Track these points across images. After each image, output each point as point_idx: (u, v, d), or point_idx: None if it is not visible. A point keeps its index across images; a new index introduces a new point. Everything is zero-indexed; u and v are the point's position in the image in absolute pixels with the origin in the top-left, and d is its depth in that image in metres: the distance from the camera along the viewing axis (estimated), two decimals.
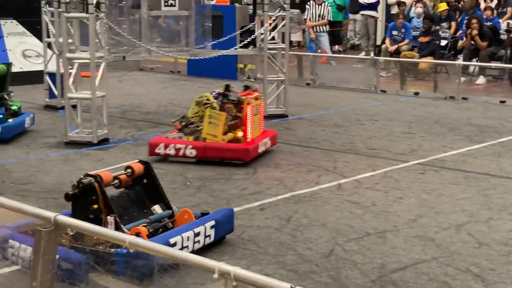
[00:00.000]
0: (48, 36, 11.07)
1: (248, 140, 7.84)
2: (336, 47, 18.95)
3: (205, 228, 5.08)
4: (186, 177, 7.26)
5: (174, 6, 9.85)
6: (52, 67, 11.07)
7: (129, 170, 5.20)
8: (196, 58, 10.31)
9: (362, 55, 17.73)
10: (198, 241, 5.01)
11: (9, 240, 4.71)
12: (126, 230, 4.79)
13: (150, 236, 4.86)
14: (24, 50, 13.84)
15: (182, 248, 4.82)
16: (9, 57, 13.54)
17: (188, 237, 4.90)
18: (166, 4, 9.78)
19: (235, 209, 6.09)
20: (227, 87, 7.95)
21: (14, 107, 8.98)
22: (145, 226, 4.92)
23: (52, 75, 11.09)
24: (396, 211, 6.26)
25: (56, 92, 10.84)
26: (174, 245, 4.76)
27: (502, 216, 6.08)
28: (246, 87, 8.38)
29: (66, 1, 8.40)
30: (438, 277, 4.76)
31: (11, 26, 14.08)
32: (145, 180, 5.32)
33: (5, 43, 13.76)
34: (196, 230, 5.00)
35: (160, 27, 10.82)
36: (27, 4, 14.07)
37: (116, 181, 5.16)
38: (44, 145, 8.60)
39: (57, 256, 4.31)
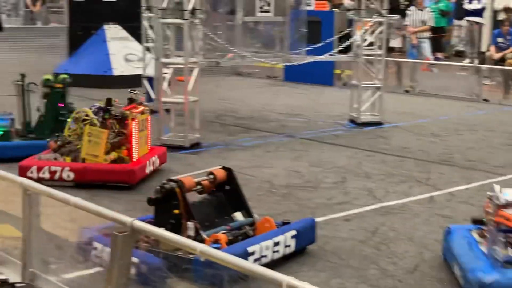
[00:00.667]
0: (147, 41, 11.32)
1: (133, 160, 7.07)
2: (438, 54, 18.42)
3: (285, 238, 5.01)
4: (273, 184, 7.21)
5: (269, 12, 9.84)
6: (150, 71, 11.31)
7: (211, 176, 5.19)
8: (290, 64, 10.25)
9: (466, 62, 17.15)
10: (278, 251, 4.94)
11: (93, 242, 4.80)
12: (205, 236, 4.78)
13: (229, 243, 4.83)
14: (126, 54, 14.24)
15: (260, 257, 4.77)
16: (112, 61, 13.99)
17: (267, 246, 4.83)
18: (261, 10, 9.78)
19: (320, 219, 6.00)
20: (108, 101, 7.15)
21: None
22: (225, 233, 4.90)
23: (150, 79, 11.33)
24: None
25: (153, 96, 11.06)
26: (252, 253, 4.71)
27: None
28: (131, 100, 7.35)
29: (163, 7, 8.55)
30: None
31: (115, 31, 14.51)
32: (227, 187, 5.30)
33: (108, 47, 14.20)
34: (276, 239, 4.93)
35: (255, 32, 10.85)
36: (131, 9, 14.45)
37: (199, 186, 5.17)
38: None
39: (136, 260, 4.37)
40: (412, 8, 15.81)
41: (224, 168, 5.30)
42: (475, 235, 4.93)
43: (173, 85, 9.00)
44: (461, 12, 18.64)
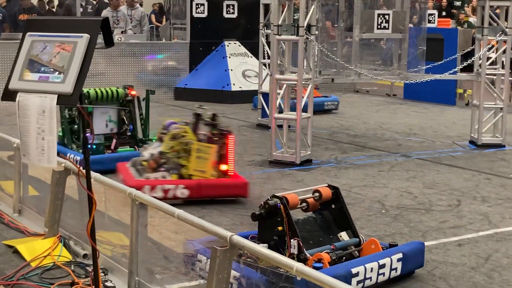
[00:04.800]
0: (264, 57, 11.44)
1: (232, 174, 7.08)
2: None
3: (391, 260, 4.87)
4: (384, 205, 7.05)
5: (388, 28, 9.68)
6: (266, 87, 11.41)
7: (316, 194, 5.14)
8: (407, 81, 10.02)
9: None
10: (383, 273, 4.81)
11: (198, 254, 4.87)
12: (308, 255, 4.73)
13: (333, 263, 4.76)
14: (244, 70, 14.47)
15: (364, 279, 4.67)
16: (230, 76, 14.25)
17: (372, 268, 4.72)
18: (379, 27, 9.65)
19: (430, 243, 5.82)
20: (214, 117, 7.16)
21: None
22: (328, 253, 4.83)
23: (265, 95, 11.44)
24: None
25: (268, 112, 11.15)
26: (356, 275, 4.61)
27: None
28: (197, 116, 7.21)
29: (279, 24, 8.61)
30: None
31: (234, 47, 14.78)
32: (333, 205, 5.24)
33: (228, 63, 14.48)
34: (382, 261, 4.80)
35: (373, 49, 10.72)
36: (250, 26, 14.72)
37: (304, 204, 5.14)
38: (250, 162, 8.85)
39: (238, 274, 4.39)
40: None
41: (330, 186, 5.23)
42: None
43: (287, 101, 9.02)
44: None
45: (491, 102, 10.24)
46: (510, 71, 10.23)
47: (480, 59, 10.00)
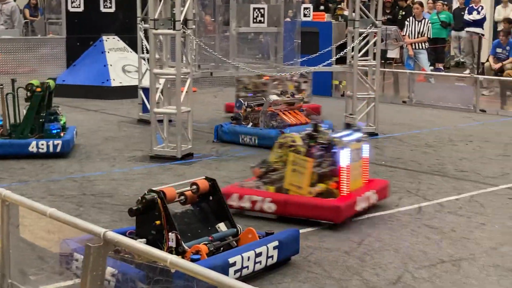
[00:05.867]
0: (143, 52, 11.35)
1: (342, 194, 6.29)
2: (439, 64, 18.45)
3: (268, 249, 4.99)
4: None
5: (263, 22, 9.86)
6: (146, 82, 11.32)
7: (194, 187, 5.19)
8: (283, 74, 10.25)
9: (466, 73, 17.14)
10: (260, 262, 4.92)
11: (74, 253, 4.80)
12: (186, 248, 4.77)
13: (211, 254, 4.82)
14: (124, 65, 14.29)
15: (241, 268, 4.76)
16: (110, 71, 14.03)
17: (248, 257, 4.82)
18: (255, 20, 9.80)
19: (307, 230, 6.00)
20: (315, 127, 6.58)
21: (62, 122, 9.04)
22: (206, 244, 4.89)
23: (146, 90, 11.34)
24: (476, 238, 5.94)
25: (148, 106, 11.07)
26: (233, 264, 4.70)
27: None
28: (348, 126, 6.97)
29: (155, 18, 8.57)
30: None
31: (113, 42, 14.57)
32: (211, 197, 5.30)
33: (107, 58, 14.24)
34: (258, 250, 4.92)
35: (250, 43, 10.88)
36: (129, 20, 14.53)
37: (182, 197, 5.17)
38: (130, 158, 8.78)
39: (115, 270, 4.37)
40: (410, 19, 15.82)
41: (207, 178, 5.30)
42: None
43: (166, 96, 9.00)
44: (460, 23, 18.69)
45: (364, 92, 10.65)
46: (382, 61, 10.69)
47: (352, 51, 10.37)
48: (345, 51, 10.42)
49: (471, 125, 11.78)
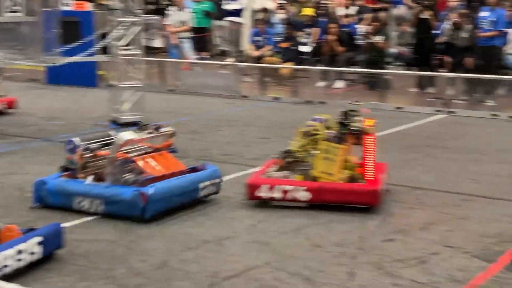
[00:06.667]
0: None
1: (368, 179, 6.43)
2: (202, 53, 18.92)
3: (30, 245, 4.83)
4: (26, 191, 6.91)
5: (19, 12, 9.44)
6: None
7: None
8: (45, 65, 9.93)
9: (229, 61, 17.78)
10: (21, 259, 4.75)
11: None
12: None
13: None
14: None
15: (1, 268, 4.57)
16: None
17: (9, 256, 4.63)
18: (10, 10, 9.35)
19: (71, 223, 5.89)
20: (346, 114, 6.61)
21: None
22: None
23: None
24: (238, 217, 6.24)
25: None
26: None
27: (340, 218, 6.16)
28: (351, 112, 6.71)
29: None
30: (268, 282, 4.75)
31: None
32: None
33: None
34: (19, 247, 4.74)
35: (6, 33, 10.35)
36: None
37: None
38: None
39: None
40: (172, 8, 16.06)
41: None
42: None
43: None
44: (221, 13, 19.31)
45: (130, 82, 10.65)
46: (147, 51, 10.75)
47: (114, 40, 10.30)
48: (108, 40, 10.32)
49: (234, 111, 12.29)
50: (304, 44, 15.95)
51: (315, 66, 14.83)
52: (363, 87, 14.32)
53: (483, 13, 13.17)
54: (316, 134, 6.60)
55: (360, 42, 15.28)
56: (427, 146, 9.10)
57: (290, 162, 6.66)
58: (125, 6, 10.36)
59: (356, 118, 6.60)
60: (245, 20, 19.72)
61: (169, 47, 16.54)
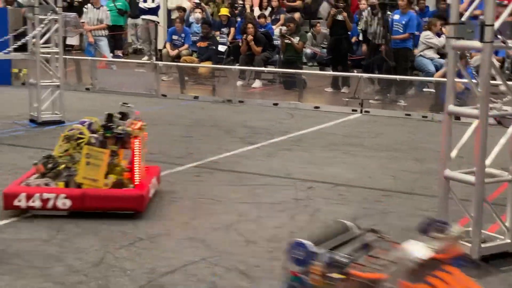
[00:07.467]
0: None
1: (136, 184, 6.30)
2: (118, 51, 18.76)
3: None
4: None
5: None
6: None
7: None
8: None
9: (144, 59, 17.71)
10: None
11: None
12: None
13: None
14: None
15: None
16: None
17: None
18: None
19: (2, 222, 5.82)
20: (109, 117, 6.39)
21: None
22: None
23: None
24: (170, 214, 6.32)
25: None
26: None
27: (269, 214, 6.37)
28: (123, 115, 6.54)
29: None
30: (206, 277, 4.87)
31: None
32: None
33: None
34: None
35: None
36: None
37: None
38: None
39: None
40: (88, 6, 15.87)
41: None
42: None
43: None
44: (136, 11, 19.19)
45: (48, 80, 10.49)
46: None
47: (33, 38, 10.13)
48: (26, 38, 10.14)
49: (155, 110, 12.26)
50: (222, 43, 16.12)
51: (232, 65, 15.00)
52: (280, 86, 14.60)
53: (395, 16, 13.69)
54: (81, 138, 6.31)
55: (276, 42, 15.58)
56: (346, 144, 9.43)
57: (52, 168, 6.34)
58: (44, 3, 10.19)
59: (122, 121, 6.43)
60: (161, 18, 19.70)
61: (85, 45, 16.33)
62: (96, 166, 6.13)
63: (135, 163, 6.34)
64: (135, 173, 6.33)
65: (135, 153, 6.34)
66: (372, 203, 6.81)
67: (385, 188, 7.31)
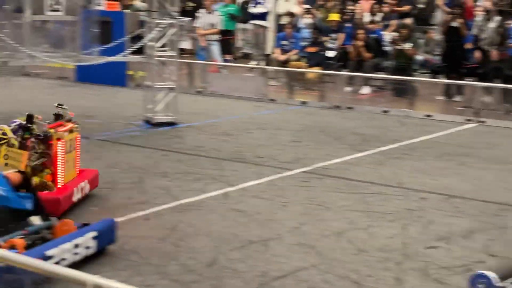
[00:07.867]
0: None
1: (58, 186, 6.18)
2: (226, 56, 19.06)
3: (86, 239, 4.97)
4: None
5: (60, 11, 9.61)
6: None
7: None
8: (81, 64, 10.10)
9: (253, 64, 17.91)
10: (78, 253, 4.89)
11: None
12: (1, 243, 4.61)
13: (28, 248, 4.70)
14: None
15: (60, 261, 4.70)
16: None
17: (66, 249, 4.77)
18: (51, 8, 9.52)
19: (119, 219, 6.01)
20: (30, 118, 6.21)
21: None
22: (22, 238, 4.76)
23: None
24: (280, 219, 6.35)
25: None
26: (50, 257, 4.62)
27: (380, 223, 6.28)
28: (57, 116, 6.52)
29: None
30: (317, 284, 4.86)
31: None
32: (23, 191, 5.14)
33: None
34: (76, 241, 4.88)
35: (45, 32, 10.53)
36: None
37: None
38: None
39: None
40: (201, 11, 16.21)
41: (20, 171, 5.13)
42: None
43: None
44: (246, 16, 19.44)
45: (163, 83, 10.80)
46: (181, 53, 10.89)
47: (150, 42, 10.45)
48: (143, 42, 10.47)
49: (263, 114, 12.40)
50: (331, 49, 16.06)
51: (340, 71, 14.92)
52: (390, 93, 14.38)
53: None
54: (3, 139, 6.06)
55: (387, 48, 15.36)
56: (461, 155, 9.17)
57: None
58: (162, 8, 10.49)
59: (43, 122, 6.22)
60: (270, 23, 19.86)
61: (197, 49, 16.70)
62: (14, 168, 5.85)
63: (58, 165, 6.17)
64: (58, 176, 6.17)
65: (57, 155, 6.16)
66: (490, 216, 6.59)
67: (502, 202, 7.06)
